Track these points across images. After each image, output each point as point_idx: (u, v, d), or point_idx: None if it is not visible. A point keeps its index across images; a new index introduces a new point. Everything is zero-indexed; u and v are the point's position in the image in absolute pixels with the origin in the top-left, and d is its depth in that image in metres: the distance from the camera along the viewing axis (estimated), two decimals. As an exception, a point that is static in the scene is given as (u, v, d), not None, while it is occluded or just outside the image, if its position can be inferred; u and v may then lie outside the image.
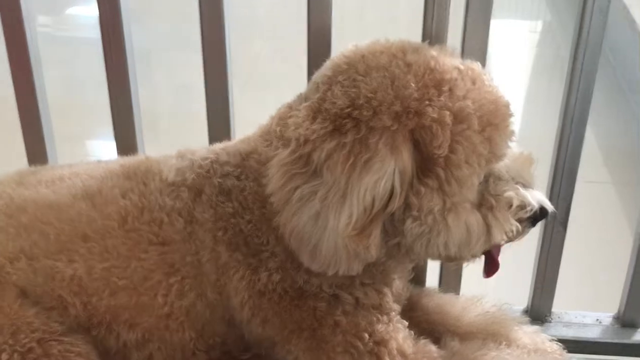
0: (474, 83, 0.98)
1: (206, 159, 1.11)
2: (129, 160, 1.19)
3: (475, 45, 1.23)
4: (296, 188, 0.94)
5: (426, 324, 1.26)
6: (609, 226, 2.10)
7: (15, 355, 1.01)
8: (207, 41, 1.28)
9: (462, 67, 0.99)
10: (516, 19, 3.51)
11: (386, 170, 0.91)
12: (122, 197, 1.09)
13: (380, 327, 1.08)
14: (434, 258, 1.06)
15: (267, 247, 1.04)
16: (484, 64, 1.25)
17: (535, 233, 1.38)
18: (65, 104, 2.64)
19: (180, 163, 1.12)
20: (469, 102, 0.96)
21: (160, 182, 1.10)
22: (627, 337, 1.41)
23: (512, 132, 1.02)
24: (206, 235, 1.07)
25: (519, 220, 1.03)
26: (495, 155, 0.99)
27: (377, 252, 0.96)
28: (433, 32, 1.21)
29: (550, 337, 1.26)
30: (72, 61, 2.81)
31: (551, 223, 1.35)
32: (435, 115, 0.93)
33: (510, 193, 1.02)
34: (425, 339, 1.14)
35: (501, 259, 1.11)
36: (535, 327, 1.29)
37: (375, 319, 1.08)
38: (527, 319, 1.32)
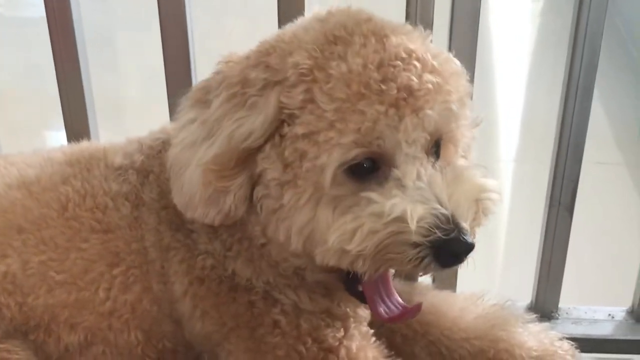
0: (366, 42, 0.92)
1: (157, 139, 1.10)
2: (71, 147, 1.17)
3: (465, 27, 1.21)
4: (186, 117, 0.99)
5: (419, 326, 1.23)
6: (621, 211, 2.08)
7: None
8: (166, 19, 1.25)
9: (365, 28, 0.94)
10: (517, -13, 3.51)
11: (255, 110, 0.93)
12: (62, 184, 1.07)
13: (328, 332, 1.05)
14: (296, 250, 0.96)
15: (194, 225, 1.05)
16: (475, 46, 1.23)
17: (537, 220, 1.37)
18: (20, 90, 2.62)
19: (128, 146, 1.12)
20: (335, 63, 0.90)
21: (106, 168, 1.09)
22: (643, 334, 1.39)
23: (399, 121, 0.89)
24: (151, 216, 1.06)
25: (405, 244, 0.88)
26: (360, 141, 0.89)
27: (235, 208, 0.95)
28: (417, 13, 1.20)
29: (560, 336, 1.24)
30: (27, 44, 2.78)
31: (556, 208, 1.32)
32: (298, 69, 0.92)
33: (393, 201, 0.89)
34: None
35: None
36: (543, 326, 1.26)
37: (323, 323, 1.06)
38: (534, 316, 1.28)
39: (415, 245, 0.88)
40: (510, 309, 1.26)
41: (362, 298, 1.02)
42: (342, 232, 0.90)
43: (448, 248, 0.88)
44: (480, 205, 0.93)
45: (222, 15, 2.88)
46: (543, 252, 1.37)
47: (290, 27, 0.99)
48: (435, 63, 0.93)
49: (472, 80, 1.22)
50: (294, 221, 0.93)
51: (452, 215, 0.89)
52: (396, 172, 0.91)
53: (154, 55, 1.34)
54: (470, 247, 0.89)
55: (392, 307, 1.02)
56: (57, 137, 2.28)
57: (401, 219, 0.88)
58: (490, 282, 1.75)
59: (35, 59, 2.65)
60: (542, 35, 3.18)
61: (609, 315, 1.43)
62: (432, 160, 0.94)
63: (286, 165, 0.92)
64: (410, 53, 0.92)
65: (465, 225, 0.89)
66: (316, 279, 1.04)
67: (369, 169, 0.91)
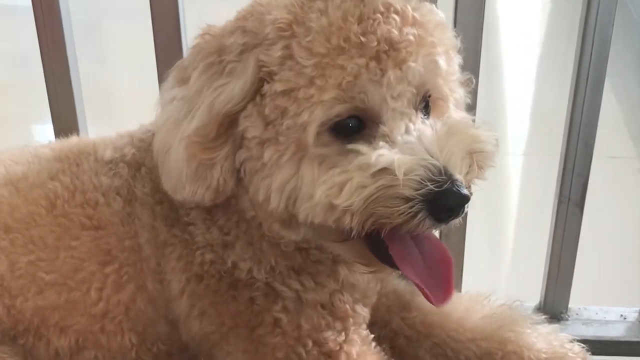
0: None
1: (148, 131, 1.10)
2: (60, 142, 1.17)
3: (470, 16, 1.21)
4: (166, 99, 0.99)
5: (422, 327, 1.23)
6: (634, 207, 2.07)
7: None
8: (157, 7, 1.25)
9: None
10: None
11: (235, 76, 0.93)
12: (50, 180, 1.07)
13: (329, 335, 1.05)
14: (276, 209, 0.94)
15: (190, 216, 1.05)
16: (480, 36, 1.22)
17: (547, 216, 1.37)
18: (6, 82, 2.61)
19: (118, 140, 1.12)
20: (315, 16, 0.90)
21: (96, 162, 1.09)
22: (656, 335, 1.40)
23: (374, 74, 0.89)
24: (145, 212, 1.06)
25: (395, 198, 0.87)
26: (341, 97, 0.88)
27: (224, 181, 0.95)
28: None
29: (570, 338, 1.24)
30: (15, 33, 2.78)
31: (565, 204, 1.32)
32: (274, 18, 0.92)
33: (380, 152, 0.88)
34: None
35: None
36: (552, 327, 1.26)
37: (324, 322, 1.05)
38: (543, 317, 1.28)
39: (407, 199, 0.87)
40: (518, 309, 1.26)
41: (391, 262, 0.96)
42: (330, 185, 0.89)
43: (441, 201, 0.87)
44: (475, 158, 0.92)
45: (216, 3, 2.87)
46: (552, 250, 1.37)
47: None
48: (416, 15, 0.93)
49: (477, 72, 1.23)
50: (274, 178, 0.92)
51: (444, 167, 0.87)
52: (383, 129, 0.90)
53: (145, 44, 1.34)
54: (465, 199, 0.88)
55: (424, 270, 0.95)
56: (45, 131, 2.28)
57: (389, 171, 0.87)
58: (497, 281, 1.74)
59: (23, 49, 2.65)
60: (552, 24, 3.16)
61: (621, 316, 1.43)
62: (422, 116, 0.93)
63: (267, 123, 0.92)
64: (388, 7, 0.92)
65: (458, 176, 0.88)
66: (336, 251, 1.01)
67: (355, 128, 0.91)
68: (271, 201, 0.94)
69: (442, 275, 0.95)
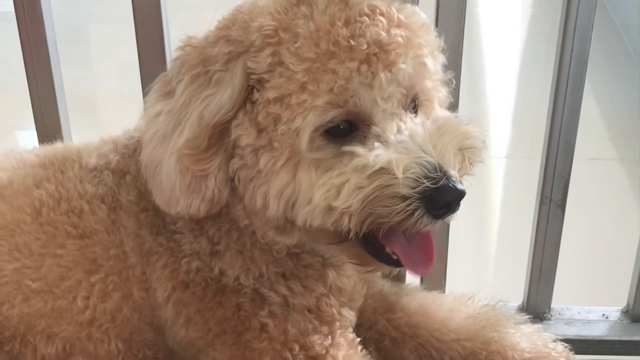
0: (329, 2, 0.92)
1: (132, 138, 1.10)
2: (44, 149, 1.18)
3: (451, 20, 1.21)
4: (151, 113, 0.99)
5: (407, 328, 1.24)
6: (615, 208, 2.08)
7: None
8: (140, 11, 1.25)
9: None
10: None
11: (222, 86, 0.93)
12: (35, 187, 1.07)
13: (315, 339, 1.06)
14: (275, 216, 0.95)
15: (177, 225, 1.05)
16: (461, 40, 1.23)
17: (529, 217, 1.37)
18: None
19: (103, 147, 1.12)
20: (302, 22, 0.91)
21: (80, 169, 1.09)
22: (638, 334, 1.40)
23: (367, 78, 0.90)
24: (130, 220, 1.06)
25: (392, 197, 0.88)
26: (334, 101, 0.89)
27: (219, 191, 0.95)
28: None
29: (553, 337, 1.25)
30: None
31: (547, 205, 1.33)
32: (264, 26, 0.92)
33: (376, 152, 0.89)
34: None
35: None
36: (535, 327, 1.27)
37: (310, 327, 1.06)
38: (526, 317, 1.30)
39: (404, 198, 0.88)
40: (501, 309, 1.28)
41: (389, 259, 0.97)
42: (328, 188, 0.90)
43: (438, 197, 0.88)
44: (465, 154, 0.93)
45: (201, 6, 2.87)
46: (535, 250, 1.38)
47: (248, 1, 0.99)
48: (401, 16, 0.94)
49: (459, 73, 1.24)
50: (271, 185, 0.93)
51: (439, 163, 0.89)
52: (375, 129, 0.92)
53: (129, 49, 1.33)
54: (461, 194, 0.89)
55: (417, 256, 0.97)
56: (29, 137, 2.27)
57: (386, 171, 0.88)
58: (481, 282, 1.74)
59: (7, 54, 2.63)
60: (533, 28, 3.17)
61: (603, 315, 1.43)
62: (411, 115, 0.95)
63: (260, 130, 0.92)
64: (373, 9, 0.93)
65: (453, 172, 0.89)
66: (331, 253, 1.02)
67: (346, 130, 0.92)
68: (269, 208, 0.94)
69: (422, 243, 0.97)
